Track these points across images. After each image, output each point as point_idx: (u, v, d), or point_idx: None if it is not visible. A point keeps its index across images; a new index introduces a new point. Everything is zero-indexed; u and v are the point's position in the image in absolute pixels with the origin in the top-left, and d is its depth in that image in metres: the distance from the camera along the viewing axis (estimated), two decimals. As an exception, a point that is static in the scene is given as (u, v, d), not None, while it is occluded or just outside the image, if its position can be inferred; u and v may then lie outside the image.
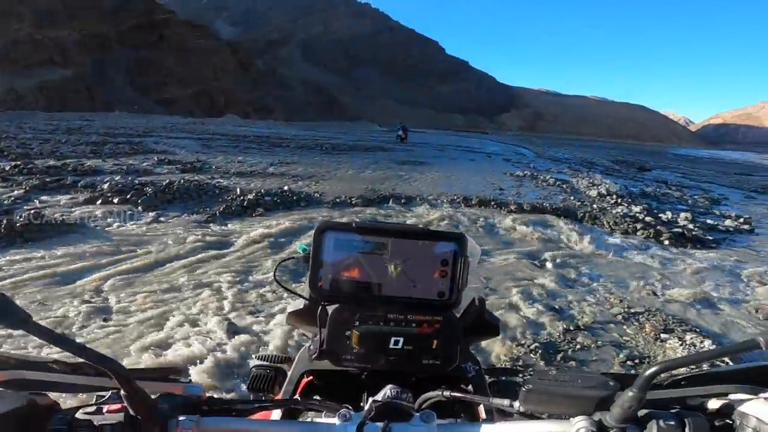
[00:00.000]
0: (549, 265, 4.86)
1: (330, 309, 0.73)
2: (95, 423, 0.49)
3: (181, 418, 0.52)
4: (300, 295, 0.85)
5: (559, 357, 2.88)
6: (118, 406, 0.51)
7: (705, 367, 0.58)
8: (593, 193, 10.27)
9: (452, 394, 0.61)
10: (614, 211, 8.02)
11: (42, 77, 42.92)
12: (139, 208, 5.85)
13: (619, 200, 9.45)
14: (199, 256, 4.34)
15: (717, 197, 12.21)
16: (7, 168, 7.85)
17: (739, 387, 0.51)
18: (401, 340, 0.71)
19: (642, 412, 0.48)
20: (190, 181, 7.87)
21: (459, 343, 0.73)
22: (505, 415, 0.60)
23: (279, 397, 0.88)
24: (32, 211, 5.13)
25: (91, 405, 0.52)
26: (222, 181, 8.57)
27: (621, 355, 2.95)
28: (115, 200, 6.06)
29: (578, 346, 3.04)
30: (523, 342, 3.03)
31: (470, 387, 0.84)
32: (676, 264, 5.34)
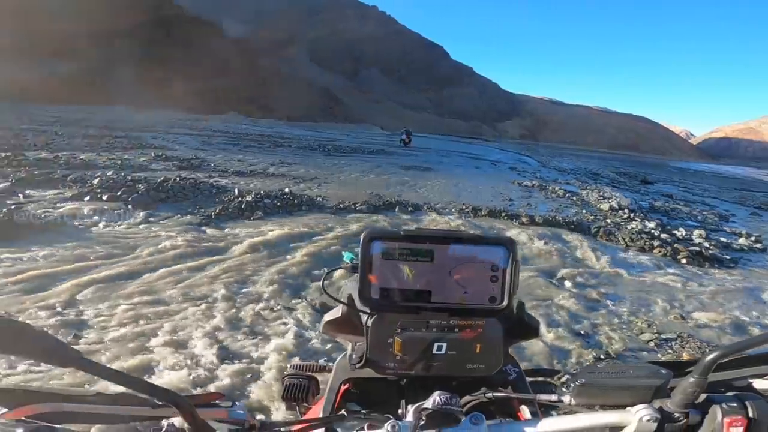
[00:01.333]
0: (567, 283, 4.52)
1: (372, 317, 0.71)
2: None
3: None
4: (344, 303, 0.79)
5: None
6: None
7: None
8: (605, 206, 9.92)
9: (494, 394, 0.61)
10: (629, 227, 7.68)
11: (48, 69, 42.58)
12: (130, 206, 5.50)
13: (631, 215, 9.11)
14: (190, 263, 3.98)
15: (724, 213, 11.89)
16: (-4, 159, 7.53)
17: None
18: (444, 345, 0.68)
19: (701, 397, 0.48)
20: (186, 178, 7.53)
21: (502, 346, 0.71)
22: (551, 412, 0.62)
23: (317, 405, 0.87)
24: (13, 207, 4.79)
25: None
26: (220, 180, 8.23)
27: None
28: (105, 197, 5.71)
29: (612, 385, 2.68)
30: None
31: (510, 389, 0.81)
32: (699, 285, 5.01)
